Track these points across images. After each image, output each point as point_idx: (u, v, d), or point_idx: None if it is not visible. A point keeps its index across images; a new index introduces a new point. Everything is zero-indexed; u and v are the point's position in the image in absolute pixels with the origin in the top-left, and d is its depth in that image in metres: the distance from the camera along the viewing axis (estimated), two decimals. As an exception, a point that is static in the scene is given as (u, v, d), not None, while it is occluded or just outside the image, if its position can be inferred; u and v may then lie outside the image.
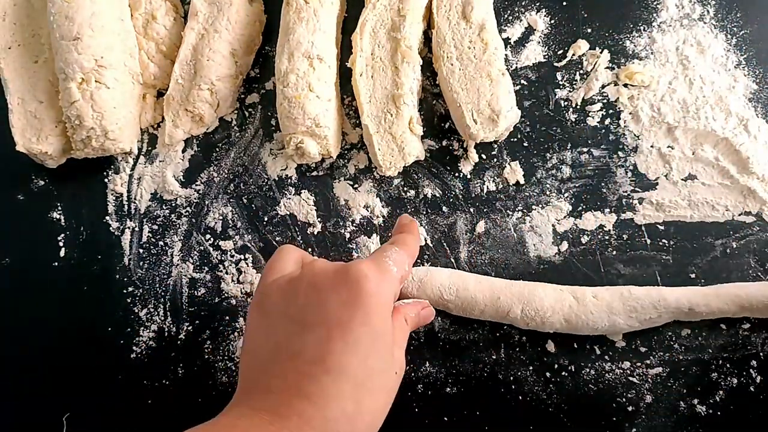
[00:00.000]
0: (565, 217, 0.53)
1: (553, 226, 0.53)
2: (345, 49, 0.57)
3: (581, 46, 0.56)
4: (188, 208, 0.56)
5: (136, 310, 0.55)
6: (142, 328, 0.54)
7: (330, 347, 0.37)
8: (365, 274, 0.39)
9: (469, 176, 0.55)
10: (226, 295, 0.54)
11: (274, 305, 0.41)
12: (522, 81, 0.56)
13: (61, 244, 0.56)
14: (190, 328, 0.54)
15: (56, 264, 0.56)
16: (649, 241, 0.52)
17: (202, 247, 0.55)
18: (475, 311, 0.50)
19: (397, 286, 0.43)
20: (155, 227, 0.56)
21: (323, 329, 0.38)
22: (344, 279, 0.39)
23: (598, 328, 0.48)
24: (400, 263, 0.43)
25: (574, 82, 0.56)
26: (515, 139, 0.55)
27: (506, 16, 0.57)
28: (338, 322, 0.38)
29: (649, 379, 0.50)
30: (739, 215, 0.52)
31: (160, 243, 0.56)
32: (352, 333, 0.38)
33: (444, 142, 0.55)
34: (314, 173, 0.56)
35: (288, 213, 0.56)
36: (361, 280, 0.39)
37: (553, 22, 0.57)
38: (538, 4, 0.57)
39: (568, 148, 0.54)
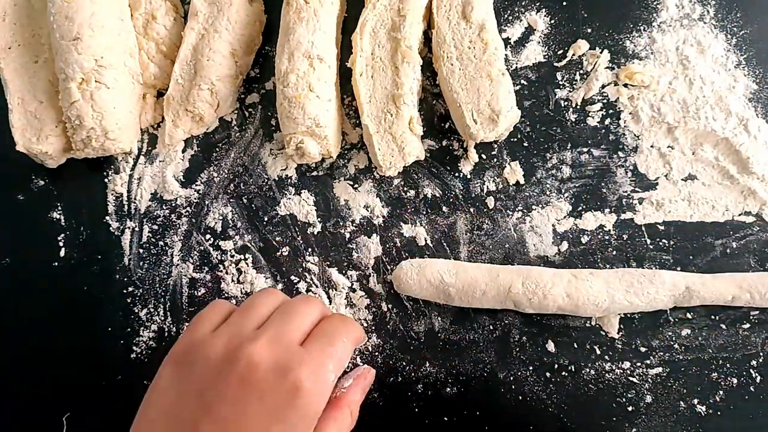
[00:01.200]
0: (565, 217, 0.53)
1: (553, 226, 0.53)
2: (345, 49, 0.57)
3: (581, 46, 0.56)
4: (188, 208, 0.56)
5: (136, 310, 0.55)
6: (142, 328, 0.54)
7: None
8: (307, 391, 0.36)
9: (469, 176, 0.55)
10: (226, 295, 0.54)
11: (195, 376, 0.37)
12: (522, 81, 0.56)
13: (61, 244, 0.56)
14: (190, 328, 0.54)
15: (56, 264, 0.56)
16: (649, 241, 0.52)
17: (202, 247, 0.56)
18: (476, 293, 0.50)
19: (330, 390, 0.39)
20: (155, 227, 0.56)
21: (237, 429, 0.36)
22: (284, 385, 0.36)
23: (599, 303, 0.49)
24: (341, 365, 0.40)
25: (574, 82, 0.56)
26: (515, 139, 0.55)
27: (506, 16, 0.57)
28: (254, 429, 0.36)
29: (649, 379, 0.50)
30: (739, 215, 0.52)
31: (160, 243, 0.56)
32: None
33: (444, 142, 0.55)
34: (314, 173, 0.56)
35: (288, 213, 0.56)
36: (300, 394, 0.36)
37: (553, 22, 0.57)
38: (538, 4, 0.57)
39: (568, 148, 0.54)
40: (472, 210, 0.54)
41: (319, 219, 0.55)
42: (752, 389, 0.49)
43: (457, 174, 0.55)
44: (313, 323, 0.41)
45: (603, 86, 0.55)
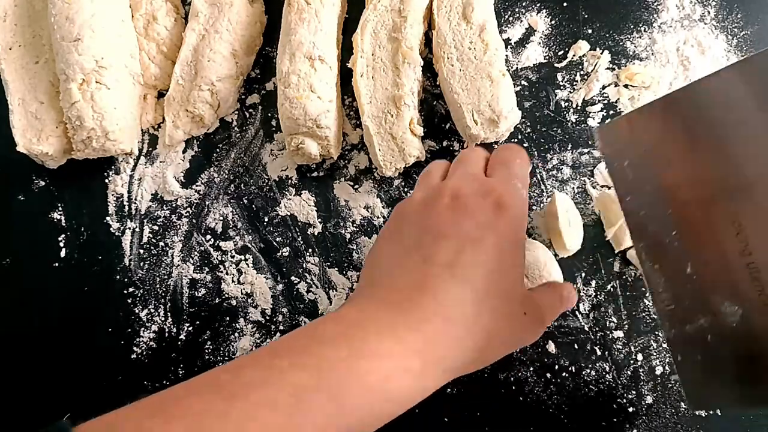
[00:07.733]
0: (565, 217, 0.53)
1: (553, 226, 0.53)
2: (345, 49, 0.57)
3: (582, 46, 0.56)
4: (189, 209, 0.56)
5: (137, 311, 0.55)
6: (142, 328, 0.54)
7: (460, 258, 0.38)
8: (508, 204, 0.41)
9: (469, 177, 0.55)
10: (226, 295, 0.54)
11: (411, 215, 0.42)
12: (522, 82, 0.56)
13: (61, 244, 0.56)
14: (190, 328, 0.54)
15: (57, 265, 0.56)
16: (649, 242, 0.52)
17: (202, 248, 0.56)
18: None
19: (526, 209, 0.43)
20: (156, 228, 0.56)
21: (457, 241, 0.39)
22: (487, 203, 0.41)
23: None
24: (525, 182, 0.44)
25: (574, 83, 0.56)
26: (516, 140, 0.55)
27: (507, 16, 0.57)
28: (473, 239, 0.39)
29: (650, 380, 0.50)
30: (740, 216, 0.52)
31: (161, 243, 0.56)
32: (484, 252, 0.39)
33: (445, 143, 0.56)
34: (315, 174, 0.56)
35: (288, 213, 0.56)
36: (504, 207, 0.40)
37: (553, 22, 0.57)
38: (538, 4, 0.57)
39: (569, 148, 0.54)
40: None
41: (319, 219, 0.55)
42: (753, 390, 0.49)
43: (457, 175, 0.55)
44: (485, 161, 0.46)
45: (603, 87, 0.55)
